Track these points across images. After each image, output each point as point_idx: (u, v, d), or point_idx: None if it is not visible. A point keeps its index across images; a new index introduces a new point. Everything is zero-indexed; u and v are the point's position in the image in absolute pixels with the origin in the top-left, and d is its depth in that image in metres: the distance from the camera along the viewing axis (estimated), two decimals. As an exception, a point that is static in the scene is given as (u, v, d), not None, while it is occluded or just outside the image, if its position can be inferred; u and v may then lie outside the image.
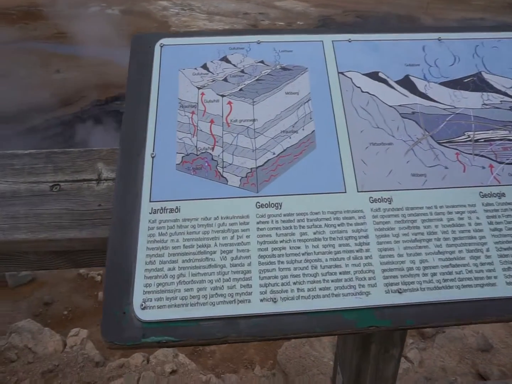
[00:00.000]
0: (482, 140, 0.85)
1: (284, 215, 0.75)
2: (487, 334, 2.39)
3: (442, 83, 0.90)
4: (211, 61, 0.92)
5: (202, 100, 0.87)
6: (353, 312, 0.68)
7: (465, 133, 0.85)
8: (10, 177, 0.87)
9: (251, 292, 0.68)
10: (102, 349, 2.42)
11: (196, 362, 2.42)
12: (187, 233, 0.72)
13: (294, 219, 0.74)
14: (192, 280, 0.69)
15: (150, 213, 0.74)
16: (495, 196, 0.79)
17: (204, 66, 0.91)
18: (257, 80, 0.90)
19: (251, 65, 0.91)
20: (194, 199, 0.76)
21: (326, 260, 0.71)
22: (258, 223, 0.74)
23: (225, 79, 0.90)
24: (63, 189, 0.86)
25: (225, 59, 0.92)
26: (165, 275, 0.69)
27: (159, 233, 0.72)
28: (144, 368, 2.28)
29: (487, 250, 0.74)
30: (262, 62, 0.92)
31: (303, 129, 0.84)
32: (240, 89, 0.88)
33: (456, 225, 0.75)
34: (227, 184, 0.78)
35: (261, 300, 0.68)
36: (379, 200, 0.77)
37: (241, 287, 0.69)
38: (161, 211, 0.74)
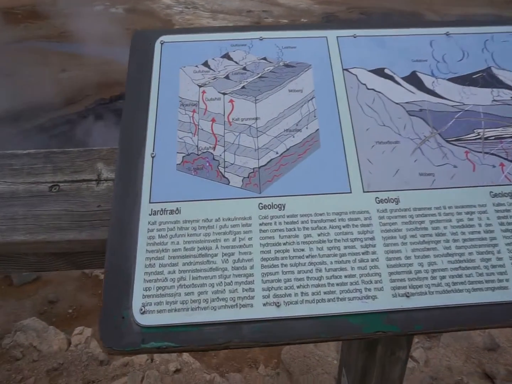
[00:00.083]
0: (492, 137, 0.82)
1: (288, 217, 0.73)
2: (493, 333, 2.36)
3: (450, 79, 0.88)
4: (213, 58, 0.90)
5: (203, 98, 0.85)
6: (359, 317, 0.66)
7: (475, 130, 0.83)
8: (9, 177, 0.86)
9: (254, 296, 0.67)
10: (106, 348, 2.41)
11: (200, 361, 2.42)
12: (188, 235, 0.71)
13: (297, 221, 0.73)
14: (192, 284, 0.67)
15: (150, 215, 0.73)
16: (506, 196, 0.76)
17: (205, 64, 0.89)
18: (259, 77, 0.88)
19: (253, 62, 0.90)
20: (195, 200, 0.74)
21: (331, 263, 0.69)
22: (260, 224, 0.72)
23: (227, 77, 0.88)
24: (62, 189, 0.85)
25: (226, 56, 0.90)
26: (165, 278, 0.68)
27: (159, 235, 0.71)
28: (148, 366, 2.28)
29: (498, 252, 0.71)
30: (264, 59, 0.90)
31: (307, 128, 0.82)
32: (242, 87, 0.86)
33: (465, 226, 0.73)
34: (228, 184, 0.76)
35: (264, 305, 0.66)
36: (386, 201, 0.75)
37: (243, 291, 0.67)
38: (161, 213, 0.73)
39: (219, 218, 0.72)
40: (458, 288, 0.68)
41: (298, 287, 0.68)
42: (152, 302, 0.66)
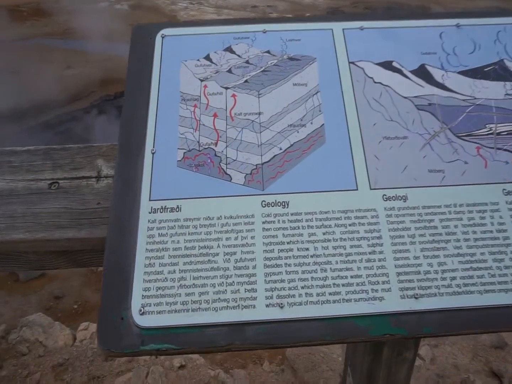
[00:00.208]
0: (505, 132, 0.80)
1: (292, 215, 0.71)
2: (502, 331, 2.33)
3: (461, 72, 0.85)
4: (215, 52, 0.88)
5: (205, 93, 0.83)
6: (366, 319, 0.64)
7: (486, 125, 0.80)
8: (8, 174, 0.85)
9: (256, 297, 0.65)
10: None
11: (204, 357, 2.42)
12: (189, 233, 0.69)
13: (302, 219, 0.71)
14: (193, 284, 0.66)
15: (150, 213, 0.71)
16: (519, 194, 0.73)
17: (207, 57, 0.87)
18: (263, 71, 0.85)
19: (256, 55, 0.87)
20: (196, 197, 0.73)
21: (337, 262, 0.67)
22: (263, 223, 0.70)
23: (229, 71, 0.85)
24: (62, 187, 0.83)
25: (229, 50, 0.88)
26: (165, 278, 0.66)
27: (159, 233, 0.69)
28: (153, 362, 2.29)
29: None
30: (268, 52, 0.88)
31: (311, 123, 0.80)
32: (245, 81, 0.84)
33: (477, 225, 0.70)
34: (231, 181, 0.74)
35: (267, 306, 0.64)
36: (393, 198, 0.73)
37: (245, 291, 0.65)
38: (161, 210, 0.71)
39: (220, 216, 0.71)
40: (469, 290, 0.66)
41: (302, 287, 0.66)
42: (152, 303, 0.64)
